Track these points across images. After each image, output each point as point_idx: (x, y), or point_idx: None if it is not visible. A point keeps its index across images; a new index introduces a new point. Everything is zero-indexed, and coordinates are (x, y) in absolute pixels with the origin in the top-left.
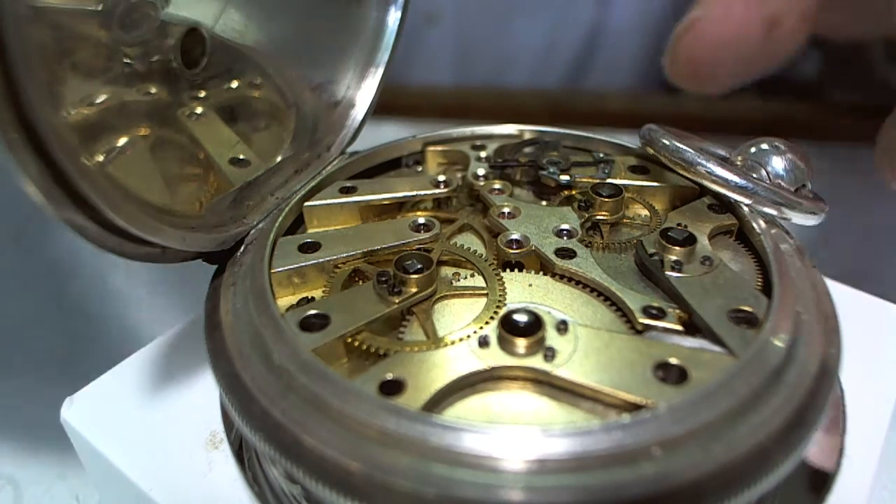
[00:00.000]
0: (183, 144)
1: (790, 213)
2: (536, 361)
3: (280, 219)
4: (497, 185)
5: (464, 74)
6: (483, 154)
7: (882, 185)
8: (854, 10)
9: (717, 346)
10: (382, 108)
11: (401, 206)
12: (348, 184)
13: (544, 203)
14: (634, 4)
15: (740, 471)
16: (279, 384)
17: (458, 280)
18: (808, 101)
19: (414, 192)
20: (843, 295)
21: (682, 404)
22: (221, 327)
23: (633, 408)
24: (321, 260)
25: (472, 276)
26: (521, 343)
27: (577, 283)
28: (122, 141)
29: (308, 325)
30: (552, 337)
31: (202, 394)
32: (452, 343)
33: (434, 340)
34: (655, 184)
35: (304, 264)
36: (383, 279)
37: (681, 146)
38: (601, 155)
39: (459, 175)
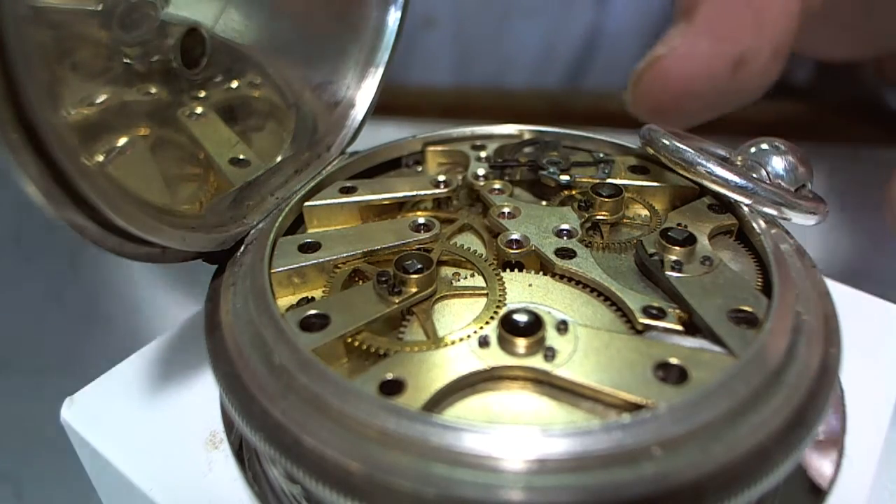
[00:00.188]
0: (183, 144)
1: (790, 213)
2: (536, 361)
3: (280, 219)
4: (497, 185)
5: (463, 75)
6: (483, 154)
7: (882, 185)
8: (841, 32)
9: (717, 346)
10: (382, 108)
11: (401, 206)
12: (348, 184)
13: (544, 203)
14: (633, 6)
15: (740, 471)
16: (279, 384)
17: (458, 280)
18: (808, 101)
19: (414, 192)
20: (843, 295)
21: (682, 404)
22: (221, 327)
23: (633, 408)
24: (321, 260)
25: (472, 276)
26: (521, 343)
27: (577, 283)
28: (122, 141)
29: (308, 325)
30: (552, 337)
31: (202, 394)
32: (452, 343)
33: (434, 340)
34: (655, 184)
35: (304, 264)
36: (383, 279)
37: (681, 146)
38: (601, 155)
39: (459, 175)
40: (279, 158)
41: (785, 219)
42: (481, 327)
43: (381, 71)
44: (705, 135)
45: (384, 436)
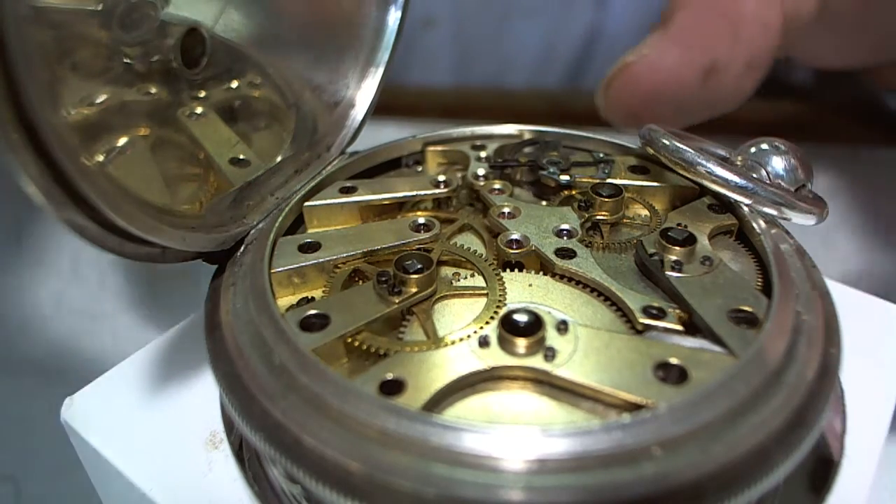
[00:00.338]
0: (183, 144)
1: (790, 213)
2: (536, 361)
3: (280, 219)
4: (497, 185)
5: (463, 75)
6: (483, 154)
7: (882, 185)
8: (837, 41)
9: (717, 346)
10: (382, 108)
11: (401, 206)
12: (348, 184)
13: (544, 203)
14: (632, 6)
15: (740, 471)
16: (279, 384)
17: (458, 280)
18: (808, 101)
19: (414, 192)
20: (843, 295)
21: (682, 404)
22: (221, 327)
23: (633, 408)
24: (321, 260)
25: (472, 276)
26: (521, 343)
27: (577, 283)
28: (122, 141)
29: (308, 325)
30: (552, 337)
31: (202, 394)
32: (452, 343)
33: (434, 340)
34: (655, 184)
35: (304, 264)
36: (383, 279)
37: (681, 146)
38: (601, 155)
39: (459, 175)
40: (279, 158)
41: (785, 219)
42: (481, 327)
43: (381, 71)
44: (705, 135)
45: (384, 436)
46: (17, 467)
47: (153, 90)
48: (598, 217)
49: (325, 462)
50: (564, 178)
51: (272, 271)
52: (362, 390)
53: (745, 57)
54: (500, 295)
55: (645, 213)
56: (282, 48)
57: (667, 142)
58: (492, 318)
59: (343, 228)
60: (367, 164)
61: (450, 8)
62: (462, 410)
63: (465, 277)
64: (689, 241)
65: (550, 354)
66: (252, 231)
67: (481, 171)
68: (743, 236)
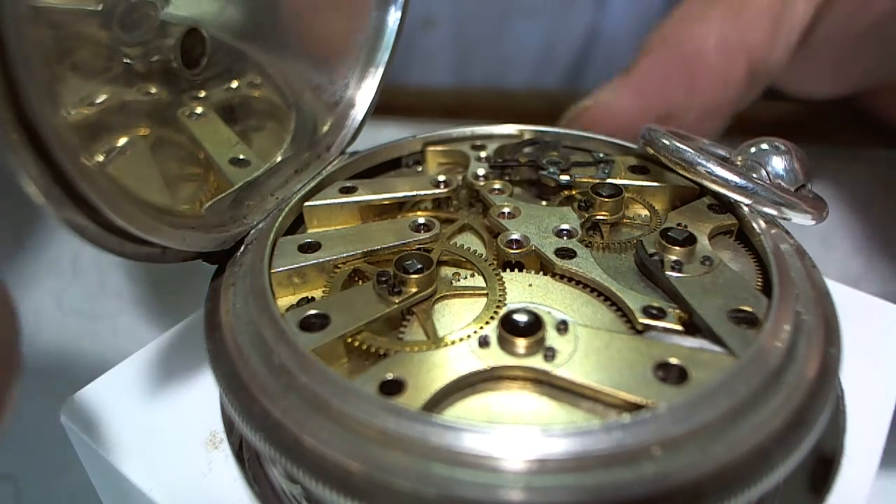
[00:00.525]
0: (183, 144)
1: (790, 213)
2: (536, 361)
3: (280, 219)
4: (497, 185)
5: (463, 75)
6: (483, 154)
7: (882, 185)
8: (821, 74)
9: (717, 346)
10: (382, 108)
11: (401, 206)
12: (348, 184)
13: (544, 203)
14: (631, 6)
15: (740, 471)
16: (279, 384)
17: (458, 280)
18: (808, 101)
19: (414, 192)
20: (843, 295)
21: (682, 404)
22: (221, 327)
23: (633, 408)
24: (321, 260)
25: (472, 276)
26: (521, 343)
27: (577, 283)
28: (122, 141)
29: (308, 325)
30: (552, 337)
31: (202, 394)
32: (452, 343)
33: (434, 340)
34: (655, 184)
35: (304, 264)
36: (383, 279)
37: (681, 146)
38: (601, 155)
39: (459, 175)
40: (279, 158)
41: (785, 219)
42: (481, 327)
43: (381, 71)
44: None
45: (384, 436)
46: (17, 467)
47: (153, 90)
48: (598, 217)
49: (325, 462)
50: (564, 178)
51: (272, 271)
52: (362, 390)
53: (702, 106)
54: (500, 295)
55: (645, 213)
56: (282, 48)
57: (667, 142)
58: (492, 318)
59: (343, 228)
60: (367, 164)
61: (450, 8)
62: (462, 410)
63: (465, 277)
64: (689, 241)
65: (550, 354)
66: (252, 231)
67: (481, 171)
68: (743, 236)
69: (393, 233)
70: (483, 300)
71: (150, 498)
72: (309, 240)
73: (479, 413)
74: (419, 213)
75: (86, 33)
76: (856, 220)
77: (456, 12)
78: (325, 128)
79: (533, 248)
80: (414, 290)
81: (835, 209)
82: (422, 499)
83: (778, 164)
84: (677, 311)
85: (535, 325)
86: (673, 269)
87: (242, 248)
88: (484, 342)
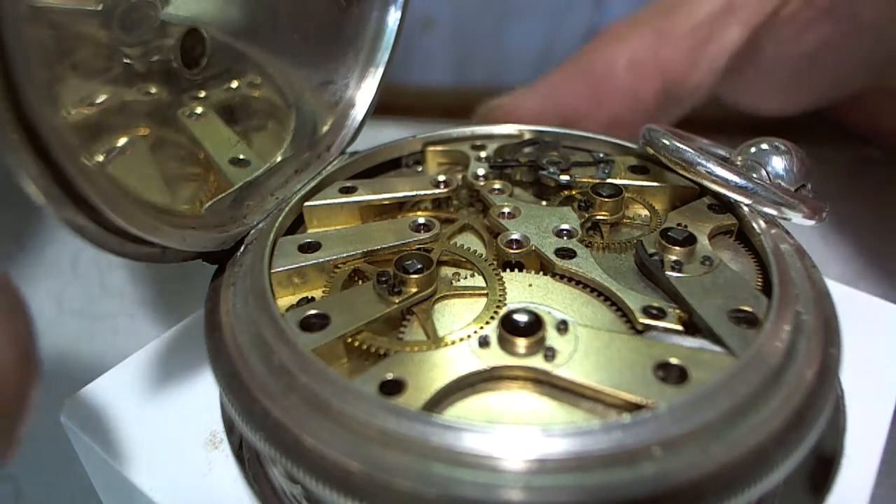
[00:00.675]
0: (183, 144)
1: (790, 213)
2: (537, 361)
3: (280, 219)
4: (497, 185)
5: (462, 75)
6: (483, 154)
7: (882, 185)
8: (777, 90)
9: (717, 346)
10: (382, 108)
11: (401, 206)
12: (348, 184)
13: (544, 203)
14: (630, 6)
15: (740, 471)
16: (279, 384)
17: (458, 280)
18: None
19: (414, 192)
20: (843, 295)
21: (682, 404)
22: (221, 327)
23: (633, 408)
24: (321, 260)
25: (472, 276)
26: (521, 343)
27: (577, 283)
28: (122, 141)
29: (308, 325)
30: (552, 337)
31: (202, 394)
32: (452, 343)
33: (434, 340)
34: (655, 184)
35: (304, 264)
36: (383, 279)
37: (681, 146)
38: (601, 155)
39: (459, 175)
40: (279, 158)
41: (785, 219)
42: (481, 327)
43: (381, 71)
44: (705, 135)
45: (384, 436)
46: (17, 467)
47: (153, 90)
48: (598, 217)
49: (325, 462)
50: (564, 178)
51: (272, 271)
52: (362, 390)
53: (608, 118)
54: (500, 295)
55: (645, 213)
56: (282, 48)
57: (667, 142)
58: (492, 318)
59: (343, 228)
60: (367, 164)
61: (449, 8)
62: (462, 410)
63: (465, 277)
64: (689, 241)
65: (550, 354)
66: (252, 231)
67: (481, 171)
68: (743, 236)
69: (393, 233)
70: (483, 300)
71: (149, 498)
72: (309, 240)
73: (479, 413)
74: (419, 213)
75: (86, 33)
76: (856, 221)
77: (455, 12)
78: (325, 128)
79: (533, 248)
80: (414, 290)
81: (835, 209)
82: (422, 499)
83: (778, 164)
84: (677, 311)
85: (535, 325)
86: (673, 269)
87: (242, 248)
88: (484, 342)
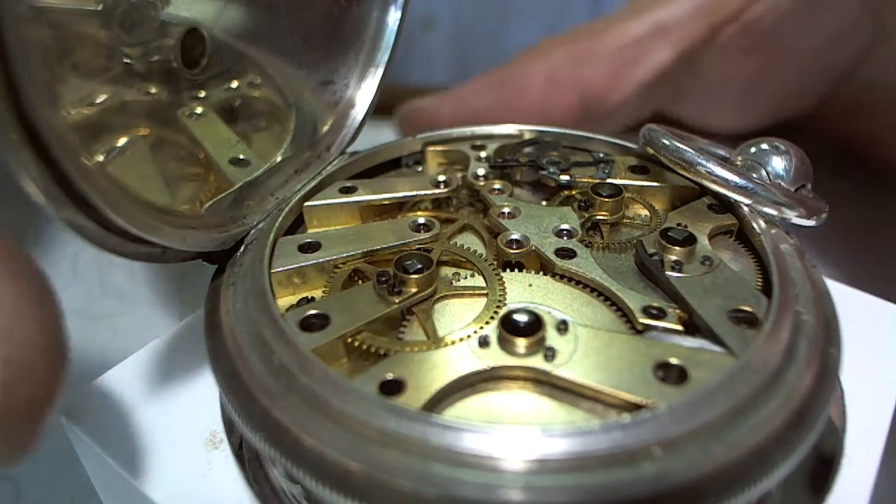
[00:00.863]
0: (183, 144)
1: (790, 213)
2: (537, 361)
3: (280, 219)
4: (497, 185)
5: (462, 75)
6: (483, 154)
7: (882, 185)
8: (720, 111)
9: (717, 346)
10: (382, 108)
11: (401, 206)
12: (348, 184)
13: (544, 203)
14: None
15: (740, 471)
16: (279, 384)
17: (458, 280)
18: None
19: (414, 192)
20: (843, 295)
21: (682, 404)
22: (221, 327)
23: (633, 408)
24: (321, 260)
25: (472, 276)
26: (521, 343)
27: (577, 283)
28: (122, 141)
29: (308, 325)
30: (552, 337)
31: (202, 394)
32: (452, 343)
33: (434, 340)
34: (655, 184)
35: (304, 264)
36: (383, 279)
37: (681, 146)
38: (601, 155)
39: (459, 175)
40: (279, 158)
41: (785, 219)
42: (481, 327)
43: (381, 71)
44: (705, 135)
45: (384, 436)
46: (18, 467)
47: (153, 90)
48: (598, 217)
49: (325, 462)
50: (564, 178)
51: (272, 271)
52: (362, 390)
53: (528, 109)
54: (500, 295)
55: (645, 213)
56: (282, 48)
57: (667, 142)
58: (492, 318)
59: (343, 228)
60: (367, 164)
61: (449, 8)
62: (462, 410)
63: (465, 277)
64: (689, 241)
65: (550, 354)
66: (252, 231)
67: (481, 171)
68: (743, 236)
69: (393, 233)
70: (483, 300)
71: (149, 498)
72: (309, 240)
73: (479, 413)
74: (419, 213)
75: (86, 33)
76: (856, 220)
77: (455, 12)
78: (325, 128)
79: (533, 248)
80: (414, 290)
81: (835, 209)
82: (422, 499)
83: (778, 164)
84: (677, 311)
85: (535, 325)
86: (673, 269)
87: (242, 248)
88: (484, 342)
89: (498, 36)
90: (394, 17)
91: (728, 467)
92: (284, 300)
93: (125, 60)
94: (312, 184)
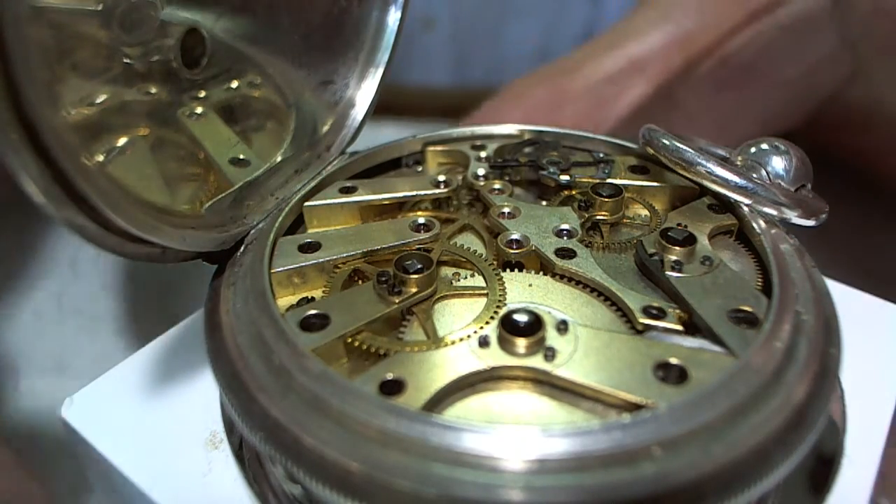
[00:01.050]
0: (183, 144)
1: (790, 213)
2: (537, 361)
3: (280, 219)
4: (497, 185)
5: (461, 75)
6: (483, 154)
7: (882, 185)
8: (702, 132)
9: (717, 346)
10: (382, 108)
11: (401, 206)
12: (348, 184)
13: (544, 203)
14: (627, 4)
15: (740, 471)
16: (279, 384)
17: (458, 280)
18: None
19: (414, 192)
20: (843, 295)
21: (682, 404)
22: (221, 327)
23: (633, 408)
24: (321, 260)
25: (472, 276)
26: (521, 343)
27: (577, 283)
28: (122, 141)
29: (308, 325)
30: (552, 337)
31: (202, 394)
32: (452, 343)
33: (434, 340)
34: (655, 184)
35: (304, 264)
36: (383, 279)
37: (681, 146)
38: (601, 155)
39: (459, 175)
40: (279, 158)
41: (785, 219)
42: (481, 327)
43: (381, 71)
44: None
45: (384, 436)
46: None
47: (153, 90)
48: (598, 217)
49: (325, 462)
50: (564, 178)
51: (272, 271)
52: (362, 390)
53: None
54: (500, 295)
55: (645, 213)
56: (282, 48)
57: (667, 142)
58: (492, 318)
59: (343, 228)
60: (367, 164)
61: (448, 8)
62: (462, 410)
63: (465, 277)
64: (689, 241)
65: (550, 354)
66: (252, 231)
67: (481, 171)
68: (743, 236)
69: (393, 233)
70: (483, 300)
71: (150, 498)
72: (309, 240)
73: (479, 413)
74: (419, 213)
75: (86, 33)
76: (856, 220)
77: (454, 12)
78: (325, 128)
79: (533, 248)
80: (414, 290)
81: (835, 209)
82: (422, 499)
83: (778, 164)
84: (677, 311)
85: (535, 325)
86: (673, 269)
87: (242, 248)
88: (484, 342)
89: (497, 36)
90: (394, 17)
91: (728, 467)
92: (284, 300)
93: (125, 60)
94: (312, 184)
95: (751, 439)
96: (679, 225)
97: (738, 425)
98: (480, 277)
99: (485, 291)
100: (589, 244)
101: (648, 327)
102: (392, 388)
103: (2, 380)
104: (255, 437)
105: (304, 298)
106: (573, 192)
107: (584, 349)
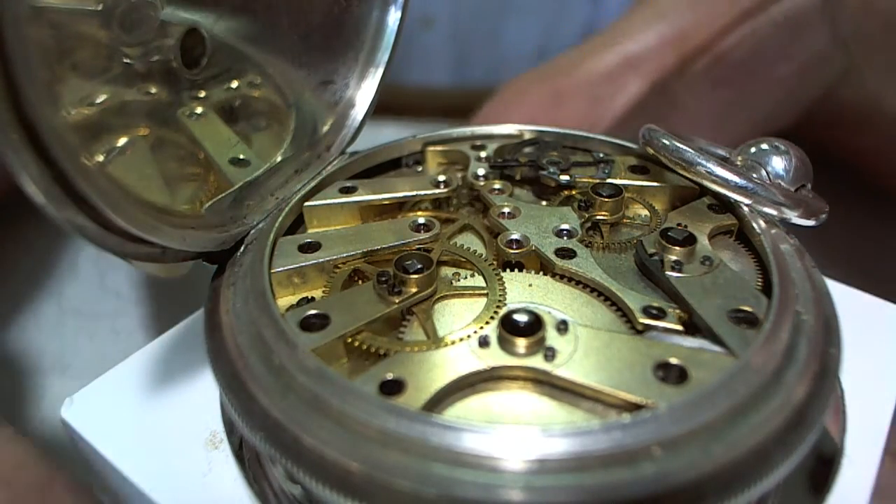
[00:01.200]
0: (183, 144)
1: (790, 213)
2: (537, 361)
3: (280, 219)
4: (497, 185)
5: (461, 75)
6: (483, 154)
7: (880, 184)
8: (699, 131)
9: (717, 346)
10: (382, 108)
11: (401, 206)
12: (348, 184)
13: (544, 203)
14: (627, 3)
15: (740, 471)
16: (279, 384)
17: (458, 280)
18: None
19: (414, 192)
20: (843, 295)
21: (682, 404)
22: (221, 327)
23: (633, 408)
24: (321, 260)
25: (472, 276)
26: (521, 343)
27: (577, 283)
28: (122, 141)
29: (308, 325)
30: (552, 337)
31: (202, 394)
32: (452, 343)
33: (434, 340)
34: (655, 184)
35: (304, 264)
36: (383, 279)
37: (681, 146)
38: (601, 155)
39: (459, 175)
40: (279, 158)
41: (785, 219)
42: (481, 327)
43: (381, 71)
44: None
45: (384, 436)
46: None
47: (153, 90)
48: (598, 217)
49: (325, 462)
50: (564, 178)
51: (272, 271)
52: (362, 390)
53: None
54: (500, 295)
55: (645, 213)
56: (282, 48)
57: (667, 142)
58: (492, 318)
59: (343, 228)
60: (367, 164)
61: (448, 8)
62: (462, 410)
63: (465, 277)
64: (689, 241)
65: (550, 354)
66: (252, 231)
67: (481, 171)
68: (743, 236)
69: (393, 233)
70: (483, 300)
71: (150, 498)
72: (309, 240)
73: (479, 413)
74: (419, 213)
75: (86, 33)
76: (856, 221)
77: (454, 12)
78: (325, 128)
79: (533, 248)
80: (414, 290)
81: (835, 209)
82: (422, 499)
83: (778, 164)
84: (677, 311)
85: (535, 325)
86: (673, 269)
87: (242, 248)
88: (484, 342)
89: (497, 35)
90: (394, 16)
91: (728, 467)
92: (284, 300)
93: (125, 60)
94: (312, 184)
95: (751, 439)
96: (679, 225)
97: (738, 425)
98: (480, 277)
99: (485, 291)
100: (589, 244)
101: (648, 327)
102: (392, 388)
103: (2, 379)
104: (255, 437)
105: (304, 298)
106: (573, 192)
107: (584, 349)
